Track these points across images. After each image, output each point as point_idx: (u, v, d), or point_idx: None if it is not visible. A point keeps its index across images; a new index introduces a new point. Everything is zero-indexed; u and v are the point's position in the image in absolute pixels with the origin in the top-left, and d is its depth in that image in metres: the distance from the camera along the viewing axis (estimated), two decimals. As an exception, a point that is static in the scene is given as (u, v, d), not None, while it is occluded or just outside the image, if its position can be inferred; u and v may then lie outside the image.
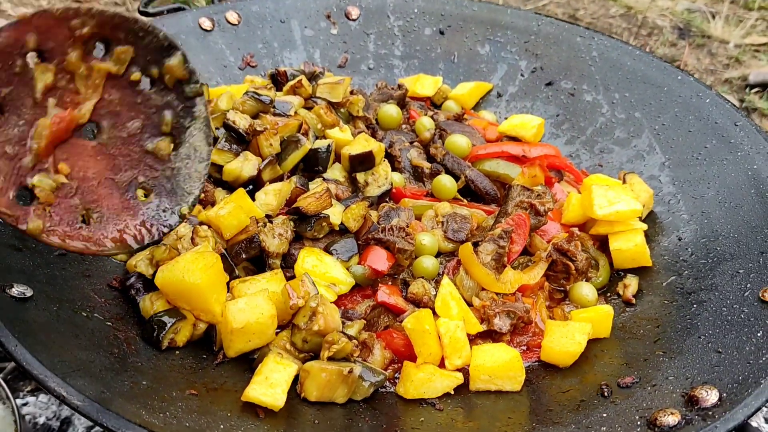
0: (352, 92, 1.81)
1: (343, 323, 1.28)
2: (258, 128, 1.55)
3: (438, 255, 1.48)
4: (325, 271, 1.35)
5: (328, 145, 1.60)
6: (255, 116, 1.61)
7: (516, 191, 1.50)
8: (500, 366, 1.23)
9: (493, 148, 1.73)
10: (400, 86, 1.95)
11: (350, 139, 1.65)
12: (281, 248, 1.38)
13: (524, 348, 1.35)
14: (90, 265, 1.34)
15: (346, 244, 1.41)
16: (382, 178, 1.60)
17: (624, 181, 1.62)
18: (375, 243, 1.42)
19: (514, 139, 1.80)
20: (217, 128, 1.59)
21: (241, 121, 1.55)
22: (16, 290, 1.12)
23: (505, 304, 1.34)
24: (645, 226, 1.54)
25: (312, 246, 1.42)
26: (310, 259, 1.36)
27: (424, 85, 2.01)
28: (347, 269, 1.39)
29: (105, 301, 1.26)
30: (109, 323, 1.20)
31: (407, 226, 1.47)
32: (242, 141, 1.56)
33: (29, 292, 1.14)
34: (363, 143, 1.61)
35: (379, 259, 1.40)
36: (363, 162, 1.59)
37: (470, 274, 1.38)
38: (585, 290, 1.44)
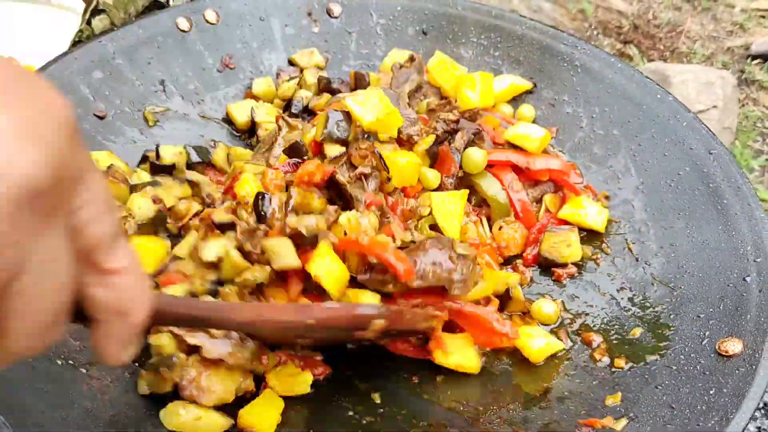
0: None
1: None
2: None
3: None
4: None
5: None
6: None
7: None
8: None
9: (498, 155, 1.73)
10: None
11: None
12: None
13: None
14: (65, 303, 1.36)
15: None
16: None
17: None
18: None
19: (518, 148, 1.77)
20: None
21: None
22: (-8, 344, 1.15)
23: None
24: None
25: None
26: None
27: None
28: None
29: (80, 343, 1.29)
30: (83, 370, 1.24)
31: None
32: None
33: (4, 346, 1.17)
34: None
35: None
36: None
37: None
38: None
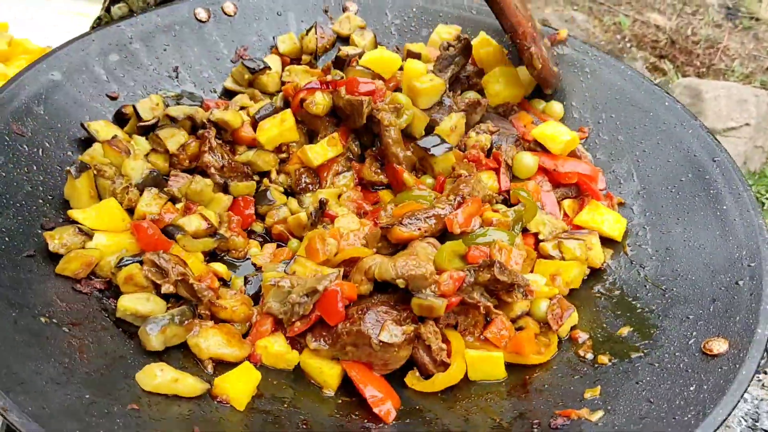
0: None
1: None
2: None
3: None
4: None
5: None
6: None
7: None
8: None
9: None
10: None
11: None
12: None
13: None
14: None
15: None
16: None
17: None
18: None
19: (544, 148, 1.77)
20: None
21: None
22: (-23, 295, 1.19)
23: None
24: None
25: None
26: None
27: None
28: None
29: (67, 305, 1.32)
30: (65, 329, 1.26)
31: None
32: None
33: (-11, 298, 1.20)
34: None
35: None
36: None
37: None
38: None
